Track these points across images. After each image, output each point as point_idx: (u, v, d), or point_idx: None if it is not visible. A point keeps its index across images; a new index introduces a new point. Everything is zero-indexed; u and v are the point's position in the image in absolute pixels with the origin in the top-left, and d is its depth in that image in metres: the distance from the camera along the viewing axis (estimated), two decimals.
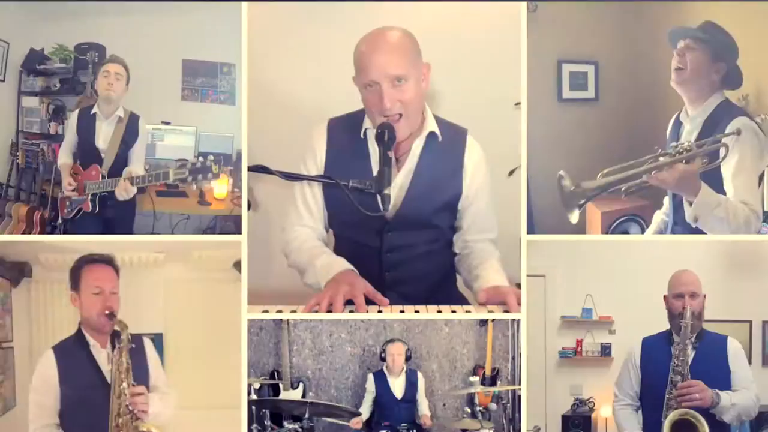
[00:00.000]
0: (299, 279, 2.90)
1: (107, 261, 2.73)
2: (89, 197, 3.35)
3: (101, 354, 2.67)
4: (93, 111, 3.44)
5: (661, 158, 2.87)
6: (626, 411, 2.90)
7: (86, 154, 3.43)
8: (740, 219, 2.75)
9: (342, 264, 2.73)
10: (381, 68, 2.57)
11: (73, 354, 2.66)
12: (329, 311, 2.58)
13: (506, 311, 2.71)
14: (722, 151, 2.80)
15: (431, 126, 2.78)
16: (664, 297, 2.84)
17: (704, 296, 2.78)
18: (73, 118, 3.51)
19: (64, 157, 3.49)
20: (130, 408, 2.53)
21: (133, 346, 2.61)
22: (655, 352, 2.82)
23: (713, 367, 2.73)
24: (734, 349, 2.78)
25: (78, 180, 3.39)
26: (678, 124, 3.03)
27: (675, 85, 2.95)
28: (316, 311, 2.56)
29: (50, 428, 2.59)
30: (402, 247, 2.84)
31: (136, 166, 3.39)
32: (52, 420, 2.59)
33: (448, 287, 3.05)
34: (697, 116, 2.91)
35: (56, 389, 2.58)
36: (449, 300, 2.95)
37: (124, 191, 3.25)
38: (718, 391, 2.64)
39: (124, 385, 2.54)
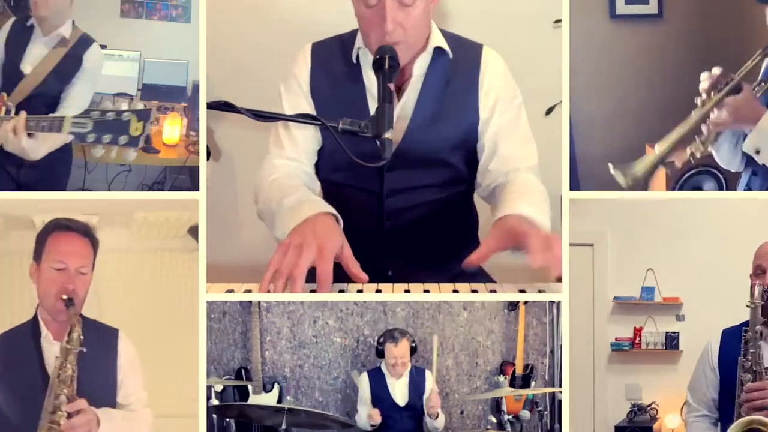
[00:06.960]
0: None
1: (82, 231, 2.53)
2: None
3: (52, 347, 2.49)
4: (30, 22, 3.09)
5: (703, 104, 2.75)
6: (702, 424, 2.63)
7: (8, 78, 3.08)
8: None
9: (315, 206, 2.44)
10: None
11: (20, 344, 2.52)
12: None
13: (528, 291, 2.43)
14: None
15: (437, 41, 2.64)
16: (750, 275, 2.59)
17: None
18: (3, 30, 3.14)
19: None
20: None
21: (89, 347, 2.39)
22: (738, 348, 2.55)
23: None
24: None
25: None
26: None
27: None
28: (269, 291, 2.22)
29: None
30: (405, 189, 2.69)
31: (70, 110, 2.95)
32: None
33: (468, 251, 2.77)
34: None
35: None
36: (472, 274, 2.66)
37: (10, 132, 2.85)
38: None
39: (62, 398, 2.31)
